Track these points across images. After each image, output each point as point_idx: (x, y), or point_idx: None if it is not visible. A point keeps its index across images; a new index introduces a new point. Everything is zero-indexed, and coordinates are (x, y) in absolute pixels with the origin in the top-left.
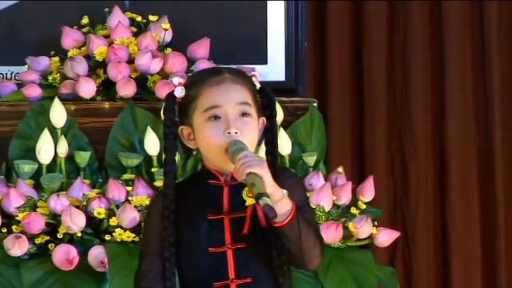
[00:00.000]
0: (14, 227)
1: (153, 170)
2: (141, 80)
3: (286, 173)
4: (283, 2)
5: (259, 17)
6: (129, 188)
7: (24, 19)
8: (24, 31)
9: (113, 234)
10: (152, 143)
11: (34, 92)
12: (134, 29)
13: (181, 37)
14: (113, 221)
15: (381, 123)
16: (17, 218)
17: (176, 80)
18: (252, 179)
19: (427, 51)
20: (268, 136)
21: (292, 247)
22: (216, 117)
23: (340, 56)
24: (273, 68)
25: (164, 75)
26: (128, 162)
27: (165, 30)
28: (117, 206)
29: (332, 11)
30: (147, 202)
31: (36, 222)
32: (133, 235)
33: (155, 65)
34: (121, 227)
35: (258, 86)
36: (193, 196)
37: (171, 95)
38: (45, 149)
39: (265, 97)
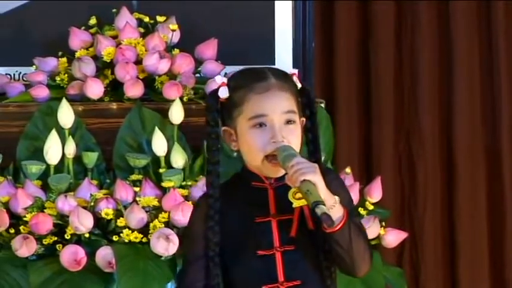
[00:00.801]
0: (21, 228)
1: (160, 170)
2: (149, 80)
3: (331, 175)
4: (290, 2)
5: (267, 17)
6: (137, 189)
7: (31, 20)
8: (32, 32)
9: (121, 234)
10: (160, 144)
11: (42, 92)
12: (142, 30)
13: (189, 38)
14: (120, 222)
15: (389, 124)
16: (24, 219)
17: (219, 78)
18: (306, 187)
19: (434, 51)
20: (310, 136)
21: (343, 253)
22: (262, 125)
23: (347, 56)
24: (281, 68)
25: (172, 75)
26: (135, 162)
27: (173, 31)
28: (125, 207)
29: (340, 10)
30: (155, 203)
31: (44, 223)
32: (141, 236)
33: (163, 66)
34: (129, 228)
35: (299, 86)
36: (239, 199)
37: (214, 94)
38: (53, 149)
39: (305, 97)
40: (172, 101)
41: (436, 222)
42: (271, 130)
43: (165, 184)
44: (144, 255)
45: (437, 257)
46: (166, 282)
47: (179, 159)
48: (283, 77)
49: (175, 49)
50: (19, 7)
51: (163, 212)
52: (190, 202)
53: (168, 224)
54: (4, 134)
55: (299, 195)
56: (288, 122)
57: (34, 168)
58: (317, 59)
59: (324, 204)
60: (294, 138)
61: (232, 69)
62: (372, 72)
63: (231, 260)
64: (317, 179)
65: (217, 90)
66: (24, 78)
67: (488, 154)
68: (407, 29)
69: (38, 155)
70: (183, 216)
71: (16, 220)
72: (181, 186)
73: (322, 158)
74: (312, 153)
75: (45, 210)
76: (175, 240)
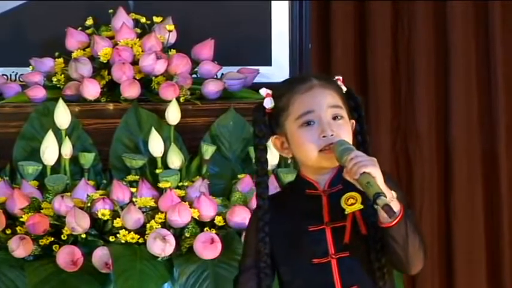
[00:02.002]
0: (18, 228)
1: (157, 171)
2: (146, 81)
3: (385, 175)
4: (287, 2)
5: (264, 17)
6: (134, 189)
7: (28, 20)
8: (29, 32)
9: (117, 235)
10: (156, 144)
11: (38, 93)
12: (138, 30)
13: (186, 38)
14: (117, 222)
15: (385, 124)
16: (21, 219)
17: (264, 91)
18: (366, 179)
19: (431, 51)
20: (359, 138)
21: (399, 249)
22: (310, 123)
23: (344, 56)
24: (277, 69)
25: (168, 76)
26: (132, 163)
27: (169, 31)
28: (122, 208)
29: (336, 11)
30: (152, 203)
31: (41, 224)
32: (138, 236)
33: (159, 67)
34: (125, 228)
35: (345, 89)
36: (292, 208)
37: (260, 106)
38: (50, 150)
39: (352, 100)
40: (169, 101)
41: (432, 223)
42: (320, 126)
43: (161, 185)
44: (141, 256)
45: (434, 258)
46: (163, 282)
47: (176, 159)
48: (325, 78)
49: (172, 50)
50: (16, 8)
51: (159, 213)
52: (186, 203)
53: (165, 225)
54: (1, 134)
55: (351, 201)
56: (336, 117)
57: (31, 168)
58: (314, 59)
59: (385, 196)
60: (343, 133)
61: (229, 69)
62: (369, 72)
63: (284, 269)
64: (377, 172)
65: (262, 102)
66: (21, 79)
67: (485, 155)
68: (404, 29)
69: (34, 155)
70: (179, 216)
71: (13, 221)
72: (177, 187)
73: None
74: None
75: (41, 211)
76: (171, 240)
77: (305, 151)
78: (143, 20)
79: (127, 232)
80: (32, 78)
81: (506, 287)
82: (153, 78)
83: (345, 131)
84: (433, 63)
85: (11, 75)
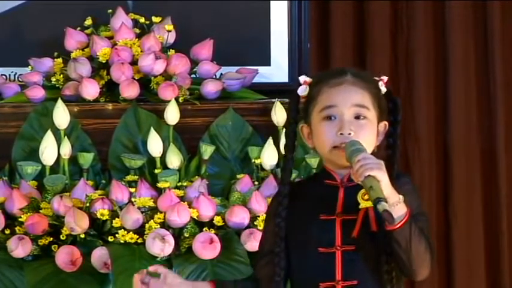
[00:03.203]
0: (17, 228)
1: (156, 171)
2: (145, 81)
3: (404, 179)
4: (286, 2)
5: (263, 17)
6: (133, 189)
7: (27, 20)
8: (27, 32)
9: (116, 235)
10: (155, 144)
11: (37, 93)
12: (137, 30)
13: (185, 38)
14: (116, 222)
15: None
16: (20, 219)
17: (302, 78)
18: (370, 182)
19: (430, 51)
20: (390, 141)
21: (402, 253)
22: (331, 117)
23: (343, 56)
24: (277, 69)
25: (167, 76)
26: (131, 163)
27: (168, 31)
28: (121, 208)
29: (335, 11)
30: (151, 203)
31: (40, 224)
32: (137, 236)
33: (158, 67)
34: (124, 228)
35: (384, 90)
36: (309, 196)
37: (295, 92)
38: (49, 150)
39: (391, 102)
40: (168, 101)
41: (431, 223)
42: (340, 122)
43: (160, 185)
44: (140, 256)
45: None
46: None
47: (175, 160)
48: (361, 75)
49: (171, 50)
50: (15, 8)
51: (158, 213)
52: (185, 203)
53: (164, 225)
54: (0, 134)
55: (367, 196)
56: (359, 116)
57: (30, 168)
58: (313, 59)
59: (386, 202)
60: (364, 133)
61: (228, 69)
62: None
63: (293, 253)
64: (382, 175)
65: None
66: (20, 79)
67: (484, 155)
68: (403, 29)
69: (33, 155)
70: (178, 216)
71: (12, 221)
72: (176, 187)
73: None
74: (389, 158)
75: (40, 211)
76: (171, 240)
77: (321, 145)
78: (142, 20)
79: (126, 232)
80: (31, 78)
81: (505, 287)
82: (152, 78)
83: (366, 131)
84: (432, 63)
85: (10, 75)
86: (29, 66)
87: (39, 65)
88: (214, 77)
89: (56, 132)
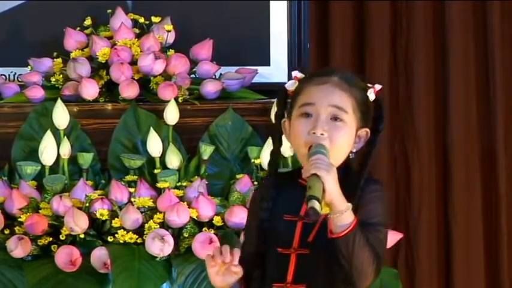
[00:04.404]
0: (16, 228)
1: (155, 171)
2: (144, 81)
3: (372, 186)
4: (285, 2)
5: (262, 17)
6: (132, 190)
7: (26, 20)
8: (27, 32)
9: (116, 235)
10: (155, 145)
11: (37, 93)
12: (137, 30)
13: (184, 38)
14: (115, 223)
15: (384, 125)
16: (19, 220)
17: (294, 73)
18: (312, 181)
19: (430, 51)
20: (366, 148)
21: (344, 262)
22: (308, 115)
23: (343, 57)
24: (276, 69)
25: (167, 76)
26: (130, 163)
27: (168, 31)
28: (120, 208)
29: (335, 11)
30: (150, 203)
31: (39, 224)
32: (136, 236)
33: (158, 67)
34: (124, 229)
35: (372, 98)
36: (281, 192)
37: (283, 86)
38: (48, 150)
39: (376, 110)
40: (168, 101)
41: (431, 223)
42: (315, 121)
43: (160, 185)
44: (139, 256)
45: (432, 258)
46: (162, 282)
47: (174, 160)
48: (348, 79)
49: (171, 50)
50: (14, 8)
51: (158, 213)
52: (185, 203)
53: (163, 225)
54: None
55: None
56: (336, 118)
57: (29, 168)
58: (312, 59)
59: (320, 202)
60: (337, 136)
61: (227, 69)
62: (367, 72)
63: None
64: (327, 178)
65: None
66: (19, 79)
67: (484, 156)
68: (403, 29)
69: (33, 155)
70: (178, 217)
71: (11, 221)
72: (176, 187)
73: None
74: (360, 165)
75: (40, 211)
76: (170, 240)
77: (294, 141)
78: (142, 20)
79: (125, 232)
80: (31, 78)
81: (504, 287)
82: (152, 78)
83: (340, 134)
84: (431, 64)
85: (9, 75)
86: (29, 66)
87: (39, 65)
88: (213, 77)
89: (56, 132)
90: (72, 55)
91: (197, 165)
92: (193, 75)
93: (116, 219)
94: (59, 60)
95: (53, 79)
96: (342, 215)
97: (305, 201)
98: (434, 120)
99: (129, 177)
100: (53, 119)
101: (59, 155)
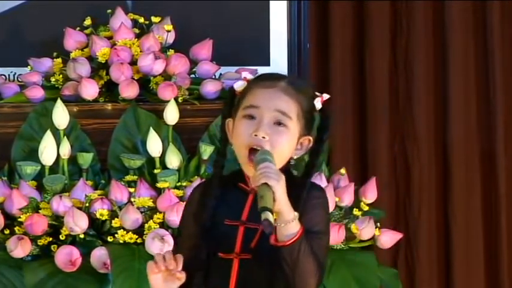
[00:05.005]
0: (16, 229)
1: (155, 171)
2: (144, 81)
3: (316, 192)
4: (285, 2)
5: (262, 17)
6: (132, 190)
7: (26, 21)
8: (27, 32)
9: (116, 235)
10: (155, 145)
11: (37, 93)
12: (137, 30)
13: (184, 38)
14: (115, 223)
15: (384, 125)
16: (19, 220)
17: (244, 74)
18: (263, 191)
19: (430, 51)
20: (310, 158)
21: (288, 271)
22: (252, 117)
23: (342, 56)
24: (276, 69)
25: (167, 76)
26: (130, 163)
27: (168, 31)
28: (120, 208)
29: (335, 11)
30: (150, 203)
31: (39, 224)
32: (136, 236)
33: (158, 67)
34: (123, 229)
35: (319, 107)
36: (221, 195)
37: (232, 87)
38: (48, 150)
39: (322, 120)
40: (167, 101)
41: (431, 223)
42: (258, 124)
43: (160, 185)
44: (139, 256)
45: (432, 258)
46: None
47: (174, 160)
48: (296, 85)
49: (170, 50)
50: (14, 8)
51: (158, 213)
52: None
53: (163, 225)
54: None
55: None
56: (279, 123)
57: (29, 168)
58: (312, 59)
59: (272, 213)
60: (279, 141)
61: (227, 69)
62: (367, 72)
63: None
64: (278, 187)
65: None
66: (19, 79)
67: (483, 156)
68: (403, 29)
69: (33, 155)
70: (177, 216)
71: (11, 221)
72: (176, 187)
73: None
74: (303, 174)
75: (40, 211)
76: (170, 240)
77: (236, 141)
78: (141, 20)
79: (125, 232)
80: (31, 79)
81: (504, 287)
82: (152, 78)
83: (282, 139)
84: (431, 64)
85: (9, 75)
86: (29, 66)
87: (39, 65)
88: (213, 77)
89: (56, 132)
90: (72, 55)
91: (197, 165)
92: (193, 75)
93: (116, 219)
94: (59, 60)
95: (52, 79)
96: (289, 224)
97: (248, 207)
98: (434, 120)
99: (129, 177)
100: (53, 119)
101: (58, 155)
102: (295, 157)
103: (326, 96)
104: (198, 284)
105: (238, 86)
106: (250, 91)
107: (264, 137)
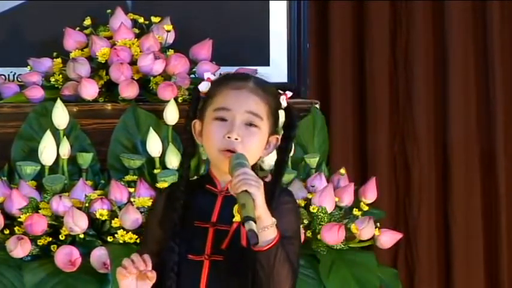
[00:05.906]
0: (16, 229)
1: (155, 171)
2: (144, 81)
3: (286, 197)
4: (285, 2)
5: (262, 17)
6: (132, 190)
7: (26, 21)
8: (27, 32)
9: (115, 235)
10: (154, 145)
11: (36, 93)
12: (136, 30)
13: (184, 38)
14: (115, 223)
15: (384, 124)
16: (19, 220)
17: (207, 75)
18: (244, 199)
19: (429, 51)
20: (279, 156)
21: (263, 276)
22: (223, 119)
23: (342, 56)
24: (276, 69)
25: (166, 76)
26: (130, 163)
27: (168, 31)
28: (120, 208)
29: (334, 11)
30: (150, 203)
31: (39, 224)
32: (136, 236)
33: (157, 67)
34: (123, 229)
35: (284, 105)
36: (189, 198)
37: (196, 87)
38: (48, 150)
39: (288, 118)
40: (167, 101)
41: (430, 223)
42: (230, 126)
43: (159, 185)
44: None
45: (432, 257)
46: None
47: (174, 160)
48: (263, 86)
49: (170, 50)
50: (14, 8)
51: None
52: None
53: None
54: None
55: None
56: (250, 124)
57: (29, 168)
58: (312, 60)
59: (255, 222)
60: (251, 141)
61: (227, 70)
62: (367, 72)
63: (164, 255)
64: (258, 194)
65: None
66: (19, 79)
67: (483, 155)
68: (403, 29)
69: (32, 155)
70: None
71: (11, 221)
72: None
73: (316, 159)
74: (275, 173)
75: (39, 211)
76: None
77: (208, 144)
78: (141, 20)
79: (125, 232)
80: (30, 79)
81: (503, 286)
82: (151, 78)
83: (254, 140)
84: (431, 64)
85: (9, 75)
86: (28, 66)
87: (39, 65)
88: None
89: (55, 132)
90: (72, 55)
91: (196, 165)
92: (192, 75)
93: (116, 219)
94: (59, 60)
95: (52, 79)
96: (267, 229)
97: (217, 208)
98: (434, 120)
99: (128, 177)
100: (53, 119)
101: (58, 155)
102: (263, 156)
103: (289, 93)
104: (169, 287)
105: (203, 87)
106: (219, 92)
107: (236, 139)
